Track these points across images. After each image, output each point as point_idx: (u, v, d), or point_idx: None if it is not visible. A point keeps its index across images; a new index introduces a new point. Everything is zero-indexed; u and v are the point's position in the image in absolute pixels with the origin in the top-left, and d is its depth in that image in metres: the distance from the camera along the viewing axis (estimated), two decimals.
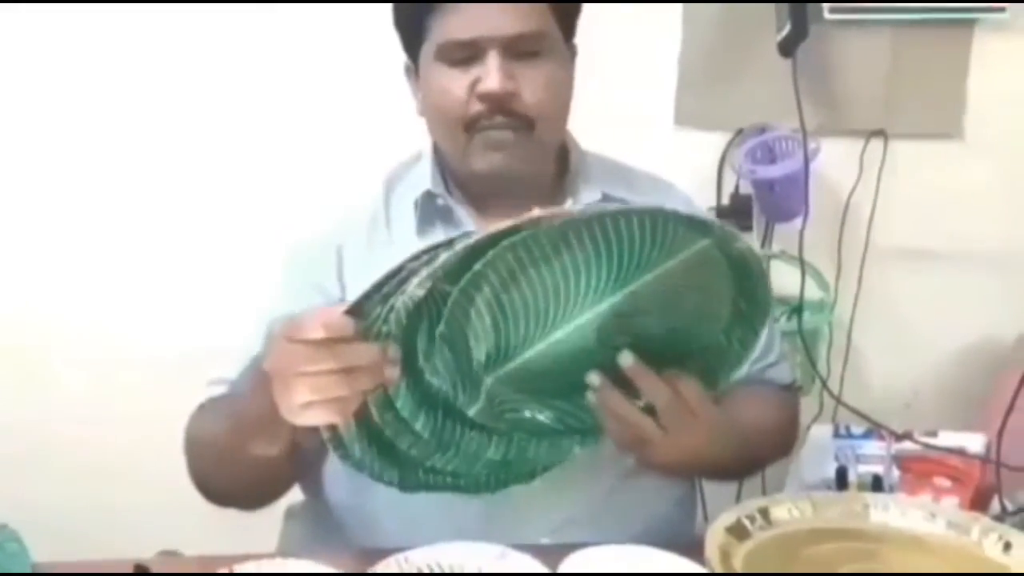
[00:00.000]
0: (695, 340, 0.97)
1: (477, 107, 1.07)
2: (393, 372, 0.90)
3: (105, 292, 1.83)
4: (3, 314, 1.81)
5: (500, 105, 1.06)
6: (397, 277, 0.88)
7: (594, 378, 0.95)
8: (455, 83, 1.08)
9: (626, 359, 0.94)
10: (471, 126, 1.08)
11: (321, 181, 1.71)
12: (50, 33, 1.75)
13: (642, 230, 0.87)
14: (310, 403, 0.87)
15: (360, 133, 1.73)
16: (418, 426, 0.96)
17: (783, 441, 1.25)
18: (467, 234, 0.91)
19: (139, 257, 1.82)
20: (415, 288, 0.87)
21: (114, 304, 1.83)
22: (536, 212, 0.85)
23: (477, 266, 0.87)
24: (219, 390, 1.13)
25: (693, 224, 0.89)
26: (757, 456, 1.17)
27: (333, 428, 0.93)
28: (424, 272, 0.86)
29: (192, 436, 1.10)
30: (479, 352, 0.93)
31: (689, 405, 0.95)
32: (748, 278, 0.93)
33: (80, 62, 1.76)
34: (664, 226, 0.87)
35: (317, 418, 0.89)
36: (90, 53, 1.76)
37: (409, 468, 1.00)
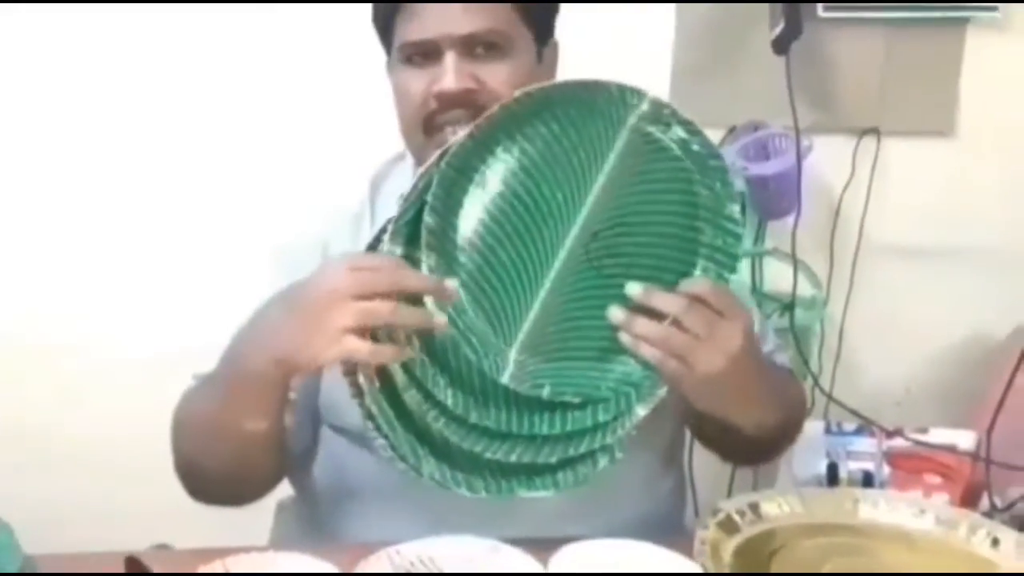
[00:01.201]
0: (687, 247, 0.98)
1: (433, 106, 1.07)
2: (441, 321, 0.93)
3: (98, 289, 1.83)
4: (36, 319, 1.81)
5: (456, 103, 1.05)
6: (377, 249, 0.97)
7: (616, 312, 0.96)
8: (414, 83, 1.08)
9: (632, 287, 0.95)
10: (428, 125, 1.08)
11: (309, 180, 1.72)
12: (47, 41, 1.75)
13: (554, 121, 0.95)
14: (350, 329, 0.90)
15: (346, 132, 1.73)
16: (445, 399, 0.96)
17: (798, 415, 1.23)
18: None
19: (134, 255, 1.83)
20: (388, 248, 0.94)
21: (107, 300, 1.83)
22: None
23: (428, 197, 0.93)
24: None
25: (594, 93, 0.95)
26: (784, 414, 1.13)
27: (360, 393, 0.96)
28: (389, 229, 0.94)
29: (179, 419, 1.09)
30: (491, 318, 0.95)
31: (711, 305, 0.94)
32: (695, 158, 0.96)
33: (70, 68, 1.76)
34: (577, 106, 0.95)
35: (351, 347, 0.90)
36: (81, 61, 1.76)
37: (476, 468, 0.99)
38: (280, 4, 1.74)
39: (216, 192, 1.80)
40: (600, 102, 0.95)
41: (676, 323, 0.94)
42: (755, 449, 1.16)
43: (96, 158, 1.80)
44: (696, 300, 0.94)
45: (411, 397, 0.95)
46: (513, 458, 0.96)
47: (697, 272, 0.97)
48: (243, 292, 1.07)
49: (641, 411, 0.97)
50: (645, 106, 0.95)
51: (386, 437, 0.97)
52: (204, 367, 1.12)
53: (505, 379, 0.95)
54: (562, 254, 0.96)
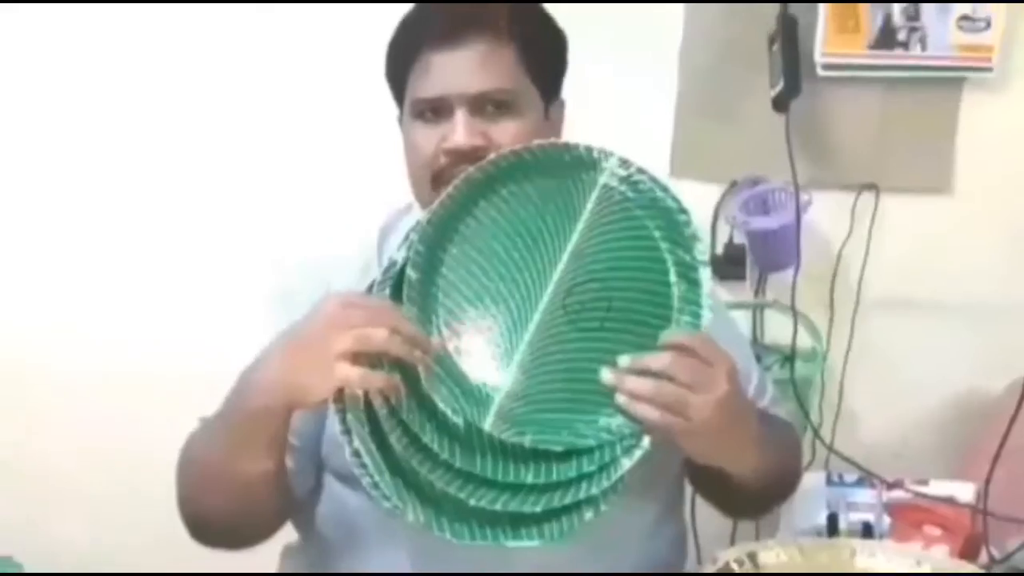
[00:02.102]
0: (660, 300, 1.00)
1: (443, 161, 1.10)
2: (424, 358, 0.95)
3: (111, 324, 1.87)
4: (5, 338, 1.85)
5: (466, 159, 1.08)
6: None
7: (606, 374, 0.96)
8: (425, 138, 1.11)
9: (621, 360, 0.96)
10: (437, 180, 1.10)
11: (321, 221, 1.75)
12: (55, 52, 1.81)
13: (528, 182, 1.02)
14: (345, 355, 0.92)
15: (363, 176, 1.76)
16: (431, 443, 0.96)
17: (794, 465, 1.24)
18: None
19: (147, 285, 1.87)
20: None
21: (117, 337, 1.87)
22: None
23: (411, 253, 0.99)
24: None
25: (564, 155, 1.01)
26: (779, 463, 1.14)
27: (348, 432, 0.97)
28: (376, 280, 1.00)
29: (183, 460, 1.10)
30: (474, 369, 0.98)
31: (696, 353, 0.95)
32: (663, 214, 1.00)
33: (86, 87, 1.82)
34: (549, 168, 1.01)
35: (343, 374, 0.93)
36: (97, 85, 1.82)
37: (462, 515, 0.98)
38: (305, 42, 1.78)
39: (229, 229, 1.85)
40: (571, 164, 1.01)
41: (666, 376, 0.95)
42: (752, 499, 1.16)
43: (112, 182, 1.85)
44: (681, 350, 0.96)
45: (397, 440, 0.96)
46: (498, 506, 0.96)
47: (672, 324, 0.99)
48: (246, 324, 1.10)
49: (626, 462, 0.97)
50: (613, 166, 1.01)
51: (371, 476, 0.98)
52: (206, 400, 1.14)
53: (487, 426, 0.97)
54: (540, 307, 0.99)
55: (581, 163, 1.01)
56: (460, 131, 1.08)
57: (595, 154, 1.01)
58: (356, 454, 0.98)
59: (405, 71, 1.13)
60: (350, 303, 0.96)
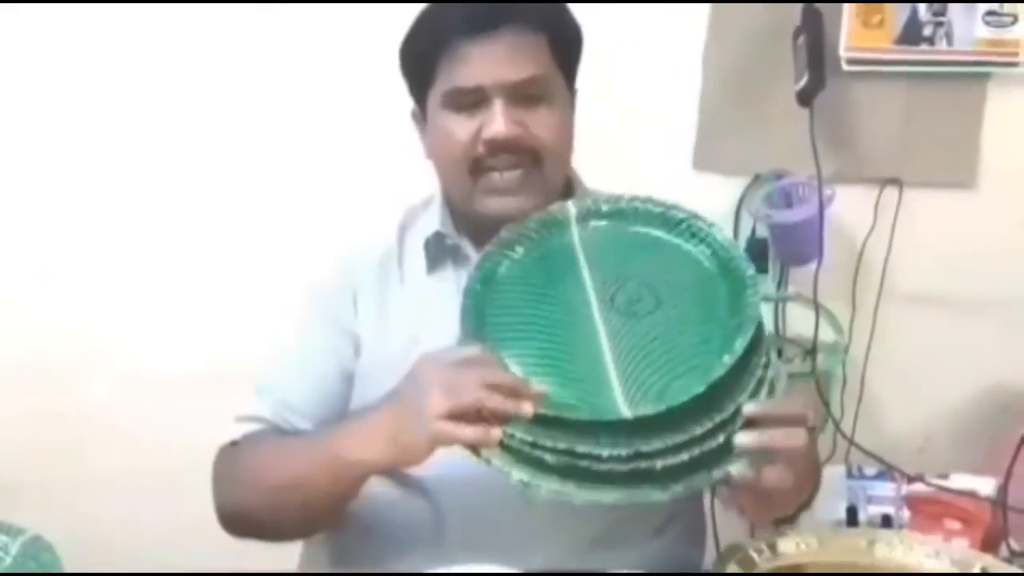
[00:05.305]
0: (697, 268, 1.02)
1: (481, 150, 1.10)
2: (522, 406, 0.90)
3: (130, 310, 1.90)
4: (41, 330, 1.87)
5: (505, 148, 1.10)
6: None
7: (751, 408, 0.93)
8: (461, 128, 1.11)
9: (749, 407, 0.93)
10: (475, 168, 1.11)
11: (342, 216, 1.76)
12: (69, 63, 1.83)
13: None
14: (444, 415, 0.91)
15: (380, 171, 1.78)
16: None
17: (816, 471, 1.22)
18: None
19: (172, 280, 1.89)
20: None
21: (147, 322, 1.89)
22: None
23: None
24: (250, 427, 1.17)
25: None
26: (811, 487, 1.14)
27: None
28: None
29: (241, 467, 1.12)
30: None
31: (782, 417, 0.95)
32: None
33: (117, 95, 1.84)
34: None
35: (442, 428, 0.91)
36: (129, 94, 1.83)
37: None
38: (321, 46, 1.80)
39: (252, 224, 1.86)
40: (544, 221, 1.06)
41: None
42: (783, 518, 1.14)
43: (131, 182, 1.86)
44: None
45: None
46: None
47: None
48: (275, 319, 1.10)
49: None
50: (574, 208, 1.07)
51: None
52: (242, 404, 1.16)
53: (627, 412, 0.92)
54: (599, 322, 0.98)
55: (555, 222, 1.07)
56: (500, 121, 1.09)
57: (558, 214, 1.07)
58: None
59: (431, 62, 1.12)
60: (442, 362, 0.95)
